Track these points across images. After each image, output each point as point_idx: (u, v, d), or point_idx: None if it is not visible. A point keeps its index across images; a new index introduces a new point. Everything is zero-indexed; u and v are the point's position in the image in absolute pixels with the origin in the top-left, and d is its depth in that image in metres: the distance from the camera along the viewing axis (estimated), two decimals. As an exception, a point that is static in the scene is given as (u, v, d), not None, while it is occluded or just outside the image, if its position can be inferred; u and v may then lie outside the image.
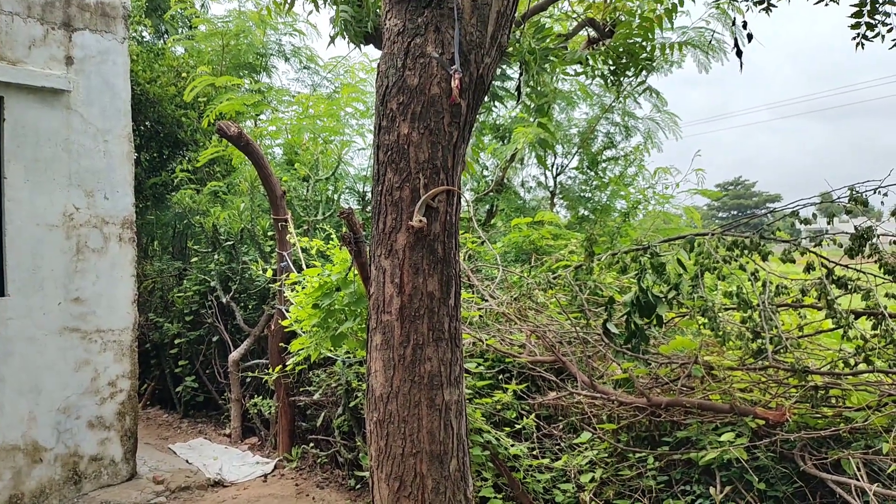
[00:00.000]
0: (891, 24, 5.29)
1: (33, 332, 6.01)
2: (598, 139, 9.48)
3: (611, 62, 5.30)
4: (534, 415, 4.82)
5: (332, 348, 5.05)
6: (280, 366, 7.11)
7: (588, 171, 9.32)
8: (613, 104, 8.82)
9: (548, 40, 4.21)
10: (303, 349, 5.05)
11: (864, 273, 4.19)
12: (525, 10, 4.55)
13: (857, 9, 4.80)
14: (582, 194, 9.24)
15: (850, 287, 4.21)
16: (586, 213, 9.39)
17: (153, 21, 12.51)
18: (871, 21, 5.28)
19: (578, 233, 7.48)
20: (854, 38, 5.45)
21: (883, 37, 5.37)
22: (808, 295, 4.64)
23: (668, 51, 5.36)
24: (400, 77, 3.13)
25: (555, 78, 4.92)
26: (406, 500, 2.95)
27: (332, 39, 4.80)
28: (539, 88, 4.49)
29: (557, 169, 9.17)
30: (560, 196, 9.22)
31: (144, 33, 12.52)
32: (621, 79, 5.31)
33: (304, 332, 5.24)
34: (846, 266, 4.27)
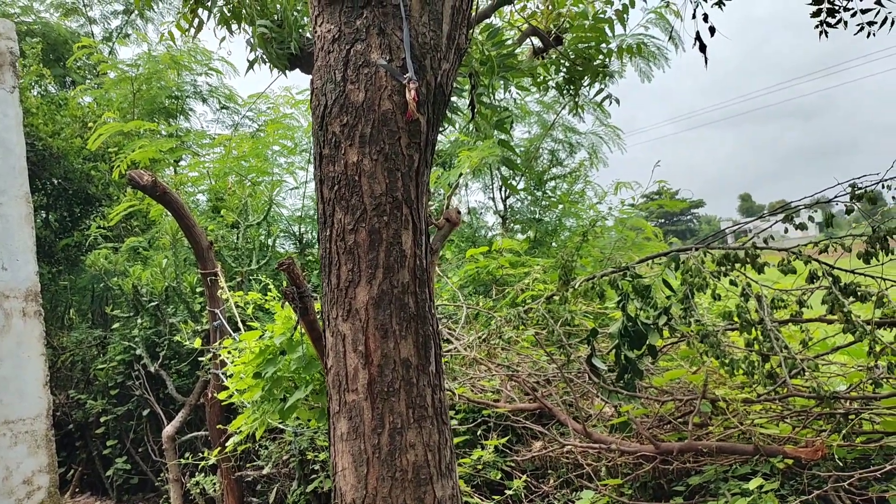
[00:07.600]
0: (853, 7, 5.00)
1: (-74, 433, 5.12)
2: (542, 158, 9.02)
3: (564, 70, 4.84)
4: (521, 472, 4.20)
5: (280, 421, 4.34)
6: (222, 442, 6.32)
7: (536, 191, 8.82)
8: (557, 119, 8.37)
9: (505, 45, 3.65)
10: (245, 426, 4.31)
11: (875, 278, 3.74)
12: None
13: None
14: (532, 216, 8.72)
15: (859, 294, 3.77)
16: (537, 235, 8.89)
17: (55, 72, 11.59)
18: (833, 6, 4.98)
19: (537, 258, 6.94)
20: (816, 27, 5.14)
21: (846, 23, 5.09)
22: (805, 307, 4.21)
23: (625, 56, 4.93)
24: (341, 93, 2.51)
25: (510, 91, 4.40)
26: None
27: (251, 65, 4.17)
28: (497, 103, 3.92)
29: (506, 192, 8.64)
30: (511, 220, 8.69)
31: (50, 87, 11.61)
32: (578, 88, 4.83)
33: (246, 404, 4.51)
34: (853, 272, 3.83)
